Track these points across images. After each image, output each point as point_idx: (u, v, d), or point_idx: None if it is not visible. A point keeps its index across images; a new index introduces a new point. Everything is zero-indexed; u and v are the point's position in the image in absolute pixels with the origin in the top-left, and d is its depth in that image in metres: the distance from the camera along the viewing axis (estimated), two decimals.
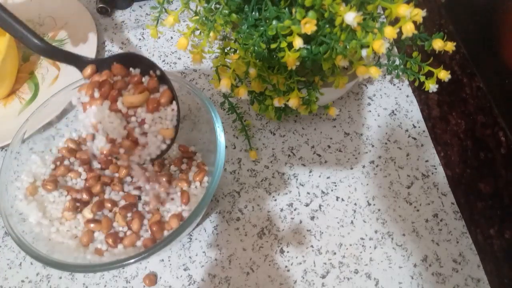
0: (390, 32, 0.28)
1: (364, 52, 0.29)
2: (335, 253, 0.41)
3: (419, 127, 0.47)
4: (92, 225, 0.37)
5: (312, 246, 0.41)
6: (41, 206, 0.38)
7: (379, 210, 0.43)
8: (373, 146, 0.46)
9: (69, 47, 0.56)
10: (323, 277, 0.40)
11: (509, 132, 0.36)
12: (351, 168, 0.45)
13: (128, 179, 0.40)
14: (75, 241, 0.37)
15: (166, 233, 0.37)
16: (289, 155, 0.46)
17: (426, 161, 0.45)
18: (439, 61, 0.45)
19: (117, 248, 0.36)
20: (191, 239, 0.42)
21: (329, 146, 0.47)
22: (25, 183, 0.38)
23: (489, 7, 0.38)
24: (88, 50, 0.54)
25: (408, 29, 0.27)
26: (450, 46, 0.36)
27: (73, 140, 0.42)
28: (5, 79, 0.51)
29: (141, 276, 0.40)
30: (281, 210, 0.43)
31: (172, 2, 0.59)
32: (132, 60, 0.36)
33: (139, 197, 0.39)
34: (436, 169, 0.45)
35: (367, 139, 0.47)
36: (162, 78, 0.35)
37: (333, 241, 0.41)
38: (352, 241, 0.41)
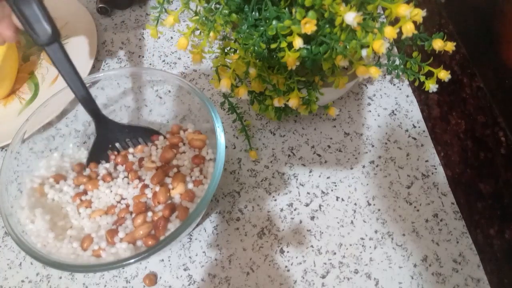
0: (390, 32, 0.28)
1: (364, 52, 0.29)
2: (335, 253, 0.41)
3: (419, 127, 0.47)
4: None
5: (312, 246, 0.41)
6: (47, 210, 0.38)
7: (379, 210, 0.43)
8: (373, 146, 0.46)
9: (69, 47, 0.56)
10: (323, 277, 0.40)
11: (509, 132, 0.36)
12: (351, 168, 0.45)
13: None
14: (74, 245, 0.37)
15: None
16: (289, 155, 0.46)
17: (426, 161, 0.45)
18: (439, 61, 0.45)
19: (115, 245, 0.36)
20: (191, 239, 0.42)
21: (329, 146, 0.47)
22: (33, 184, 0.39)
23: (489, 7, 0.38)
24: (88, 50, 0.54)
25: (408, 29, 0.27)
26: (450, 46, 0.36)
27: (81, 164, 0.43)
28: (5, 79, 0.51)
29: (141, 276, 0.40)
30: (281, 210, 0.43)
31: (172, 2, 0.59)
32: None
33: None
34: (436, 169, 0.45)
35: (367, 139, 0.47)
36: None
37: (333, 241, 0.41)
38: (352, 241, 0.41)
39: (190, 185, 0.39)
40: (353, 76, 0.38)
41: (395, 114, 0.48)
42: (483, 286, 0.39)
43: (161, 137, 0.43)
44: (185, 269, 0.41)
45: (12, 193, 0.37)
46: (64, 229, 0.38)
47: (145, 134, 0.43)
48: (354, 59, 0.32)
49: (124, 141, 0.43)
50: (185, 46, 0.32)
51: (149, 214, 0.37)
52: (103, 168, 0.41)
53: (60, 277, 0.41)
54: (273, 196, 0.44)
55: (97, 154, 0.42)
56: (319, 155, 0.46)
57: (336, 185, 0.44)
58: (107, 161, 0.42)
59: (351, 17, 0.27)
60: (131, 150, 0.43)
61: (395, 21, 0.28)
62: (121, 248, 0.36)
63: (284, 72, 0.35)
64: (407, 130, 0.47)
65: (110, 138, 0.43)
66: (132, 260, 0.31)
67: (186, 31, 0.32)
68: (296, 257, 0.41)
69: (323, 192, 0.44)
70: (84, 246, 0.36)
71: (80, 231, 0.38)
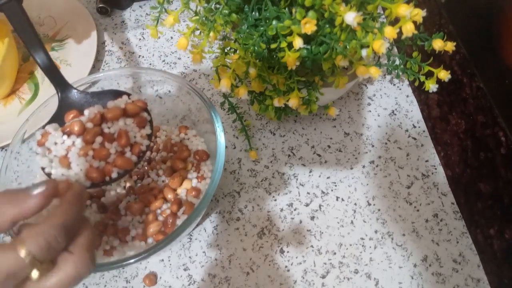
0: (390, 32, 0.28)
1: (364, 52, 0.29)
2: (335, 253, 0.41)
3: (419, 127, 0.47)
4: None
5: (312, 246, 0.41)
6: None
7: (379, 210, 0.43)
8: (373, 146, 0.46)
9: (69, 47, 0.56)
10: (323, 277, 0.40)
11: (509, 132, 0.36)
12: (351, 168, 0.45)
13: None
14: None
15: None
16: (289, 155, 0.46)
17: (426, 161, 0.45)
18: (439, 61, 0.45)
19: (128, 244, 0.37)
20: (191, 239, 0.42)
21: (329, 146, 0.47)
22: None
23: (489, 7, 0.38)
24: (88, 50, 0.54)
25: (408, 29, 0.27)
26: (450, 46, 0.36)
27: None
28: (5, 79, 0.51)
29: (141, 276, 0.40)
30: (281, 210, 0.43)
31: (172, 2, 0.59)
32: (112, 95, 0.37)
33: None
34: (436, 169, 0.45)
35: (367, 139, 0.47)
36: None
37: (333, 241, 0.41)
38: (352, 241, 0.41)
39: (195, 182, 0.39)
40: (353, 76, 0.38)
41: (395, 114, 0.48)
42: (483, 286, 0.39)
43: (124, 96, 0.37)
44: (185, 269, 0.41)
45: None
46: None
47: (112, 98, 0.37)
48: (354, 59, 0.32)
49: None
50: (185, 46, 0.32)
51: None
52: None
53: None
54: (273, 196, 0.44)
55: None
56: (319, 155, 0.46)
57: (336, 185, 0.44)
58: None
59: (351, 17, 0.27)
60: (86, 112, 0.36)
61: (395, 21, 0.28)
62: (134, 246, 0.36)
63: (284, 72, 0.35)
64: (407, 130, 0.47)
65: (75, 108, 0.37)
66: (132, 260, 0.31)
67: (186, 31, 0.32)
68: (296, 257, 0.41)
69: (323, 192, 0.44)
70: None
71: None
